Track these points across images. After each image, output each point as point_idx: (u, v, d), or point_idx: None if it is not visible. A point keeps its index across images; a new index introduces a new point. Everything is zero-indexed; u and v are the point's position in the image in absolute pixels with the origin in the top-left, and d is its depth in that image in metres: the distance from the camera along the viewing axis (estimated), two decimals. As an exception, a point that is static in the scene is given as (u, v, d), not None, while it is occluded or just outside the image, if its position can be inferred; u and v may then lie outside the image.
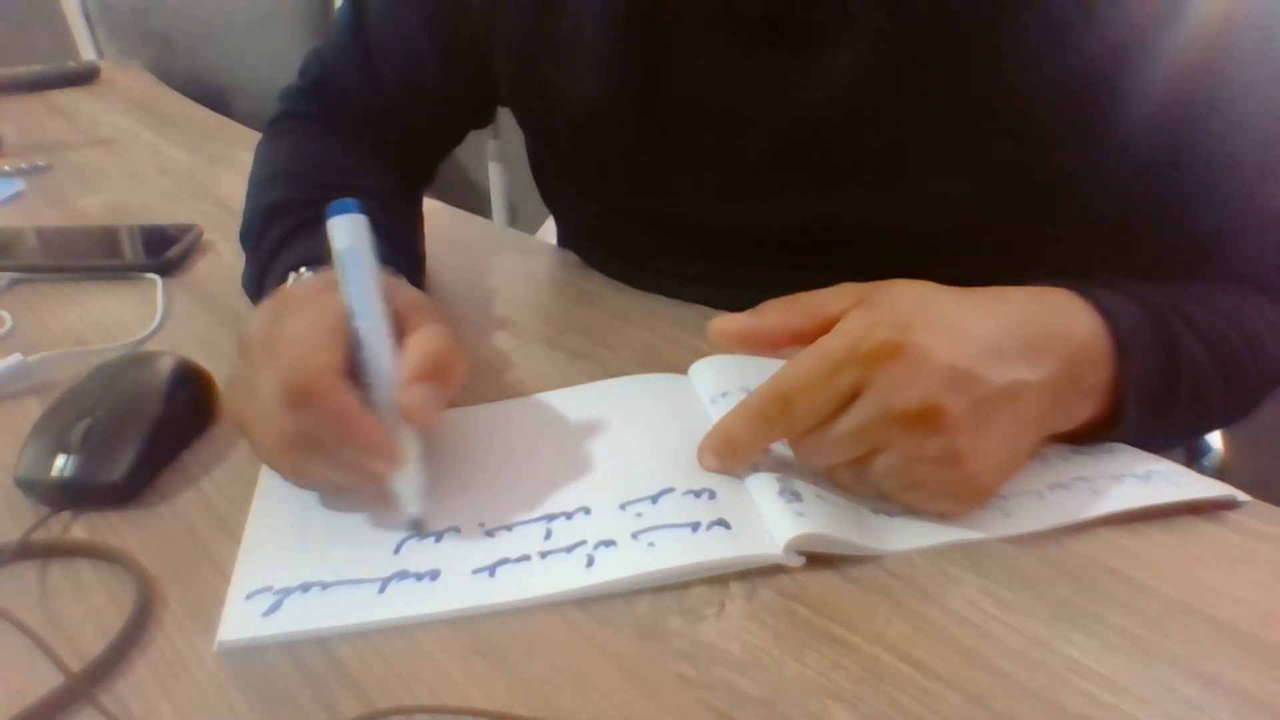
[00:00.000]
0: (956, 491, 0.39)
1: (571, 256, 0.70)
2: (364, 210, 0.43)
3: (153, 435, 0.44)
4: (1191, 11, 0.45)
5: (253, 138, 0.70)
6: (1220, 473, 0.80)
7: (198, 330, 0.60)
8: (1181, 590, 0.36)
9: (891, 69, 0.49)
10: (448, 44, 0.63)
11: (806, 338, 0.40)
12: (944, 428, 0.37)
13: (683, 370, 0.51)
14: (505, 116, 0.68)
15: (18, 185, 0.90)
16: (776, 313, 0.42)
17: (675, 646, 0.34)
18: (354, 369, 0.40)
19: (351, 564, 0.38)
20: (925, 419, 0.37)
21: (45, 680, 0.33)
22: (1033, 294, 0.43)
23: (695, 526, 0.39)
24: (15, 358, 0.53)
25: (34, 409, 0.49)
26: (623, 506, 0.40)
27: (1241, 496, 0.41)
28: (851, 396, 0.38)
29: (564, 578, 0.37)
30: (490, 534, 0.39)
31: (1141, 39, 0.46)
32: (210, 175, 0.93)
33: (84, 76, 1.35)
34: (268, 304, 0.44)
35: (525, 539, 0.39)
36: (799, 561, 0.37)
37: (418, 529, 0.39)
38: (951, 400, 0.37)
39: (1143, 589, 0.37)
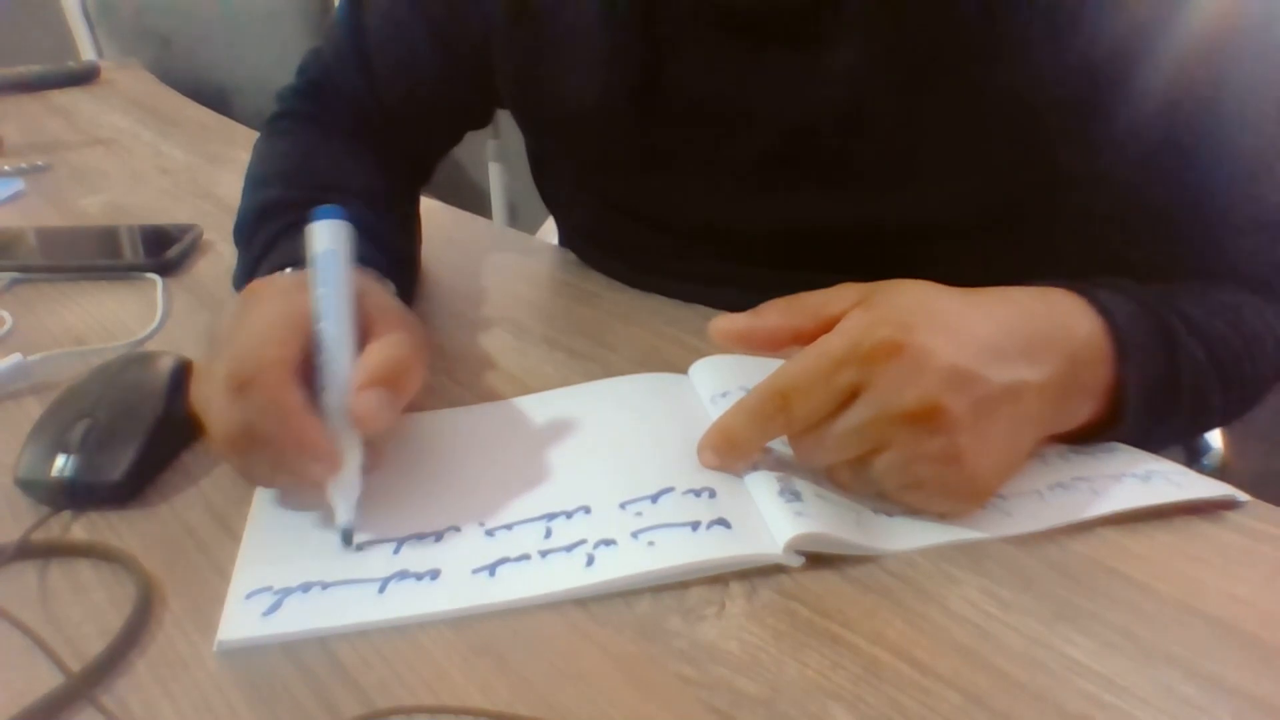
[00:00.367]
0: (956, 491, 0.39)
1: (571, 256, 0.70)
2: (351, 215, 0.43)
3: (153, 435, 0.44)
4: (1191, 12, 0.45)
5: (252, 137, 0.70)
6: (1220, 473, 0.80)
7: (198, 330, 0.60)
8: (1181, 590, 0.36)
9: (892, 69, 0.49)
10: (446, 44, 0.63)
11: (807, 338, 0.40)
12: (944, 427, 0.37)
13: (683, 370, 0.51)
14: (505, 116, 0.68)
15: (18, 185, 0.90)
16: (777, 313, 0.42)
17: (675, 646, 0.34)
18: (311, 370, 0.40)
19: (351, 564, 0.38)
20: (925, 418, 0.37)
21: (45, 680, 0.33)
22: (1033, 294, 0.43)
23: (695, 526, 0.39)
24: (15, 358, 0.53)
25: (34, 409, 0.49)
26: (623, 505, 0.40)
27: (1241, 496, 0.41)
28: (851, 395, 0.38)
29: (564, 577, 0.37)
30: (490, 534, 0.39)
31: (1140, 39, 0.46)
32: (210, 175, 0.93)
33: (84, 76, 1.36)
34: (240, 297, 0.45)
35: (525, 538, 0.39)
36: (799, 561, 0.37)
37: (346, 541, 0.39)
38: (952, 399, 0.37)
39: (1143, 589, 0.37)
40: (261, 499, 0.42)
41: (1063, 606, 0.36)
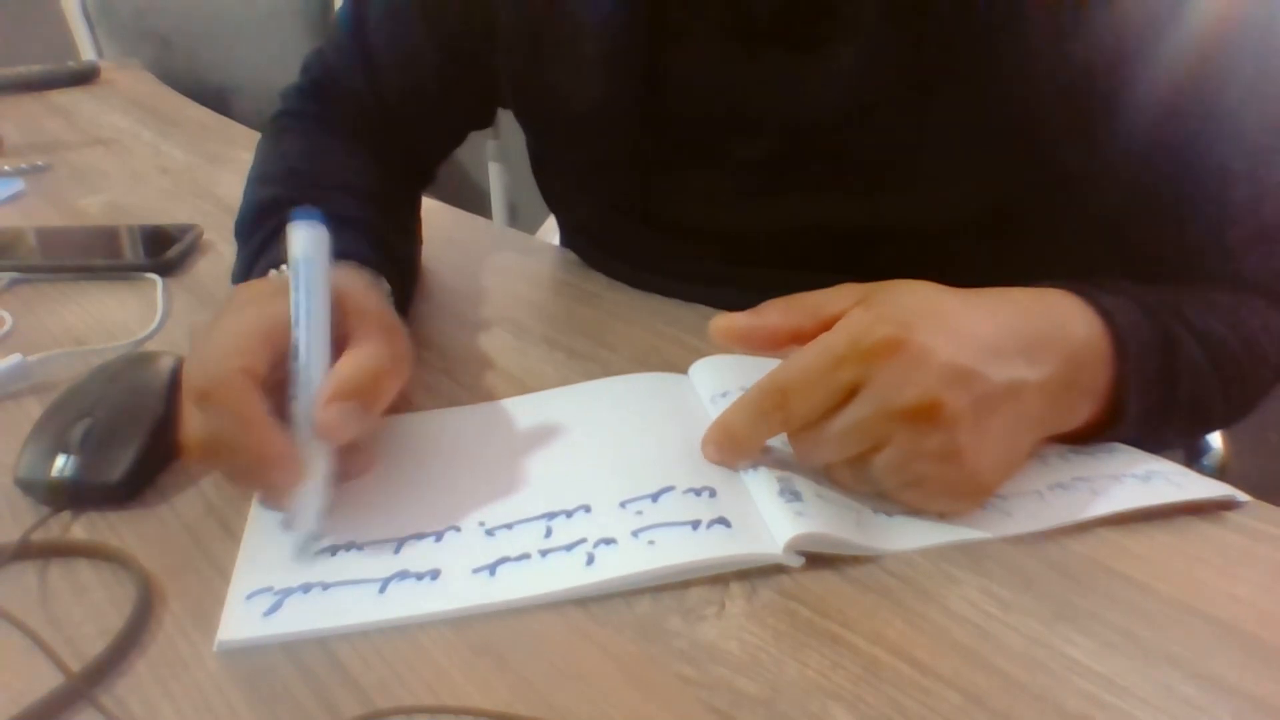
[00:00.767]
0: (956, 489, 0.39)
1: (572, 256, 0.70)
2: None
3: (153, 435, 0.44)
4: (1192, 14, 0.45)
5: (253, 137, 0.70)
6: (1220, 473, 0.80)
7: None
8: (1181, 590, 0.36)
9: (893, 71, 0.49)
10: (448, 45, 0.63)
11: (807, 337, 0.40)
12: (943, 424, 0.37)
13: (683, 370, 0.51)
14: (505, 116, 0.68)
15: (18, 185, 0.90)
16: (778, 311, 0.42)
17: (675, 646, 0.34)
18: (283, 377, 0.40)
19: (352, 564, 0.38)
20: (925, 415, 0.37)
21: (45, 680, 0.33)
22: (1033, 294, 0.43)
23: (695, 525, 0.39)
24: (15, 358, 0.53)
25: (34, 409, 0.48)
26: (623, 505, 0.40)
27: (1241, 496, 0.41)
28: (850, 393, 0.38)
29: (564, 576, 0.37)
30: (490, 533, 0.39)
31: (1142, 42, 0.46)
32: (210, 175, 0.93)
33: (84, 76, 1.35)
34: (225, 300, 0.44)
35: (525, 537, 0.39)
36: (799, 561, 0.37)
37: (305, 549, 0.39)
38: (951, 397, 0.37)
39: (1143, 589, 0.37)
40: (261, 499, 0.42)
41: (1063, 606, 0.36)
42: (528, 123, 0.66)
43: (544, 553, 0.38)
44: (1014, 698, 0.32)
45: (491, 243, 0.76)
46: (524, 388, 0.52)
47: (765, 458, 0.42)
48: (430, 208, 0.72)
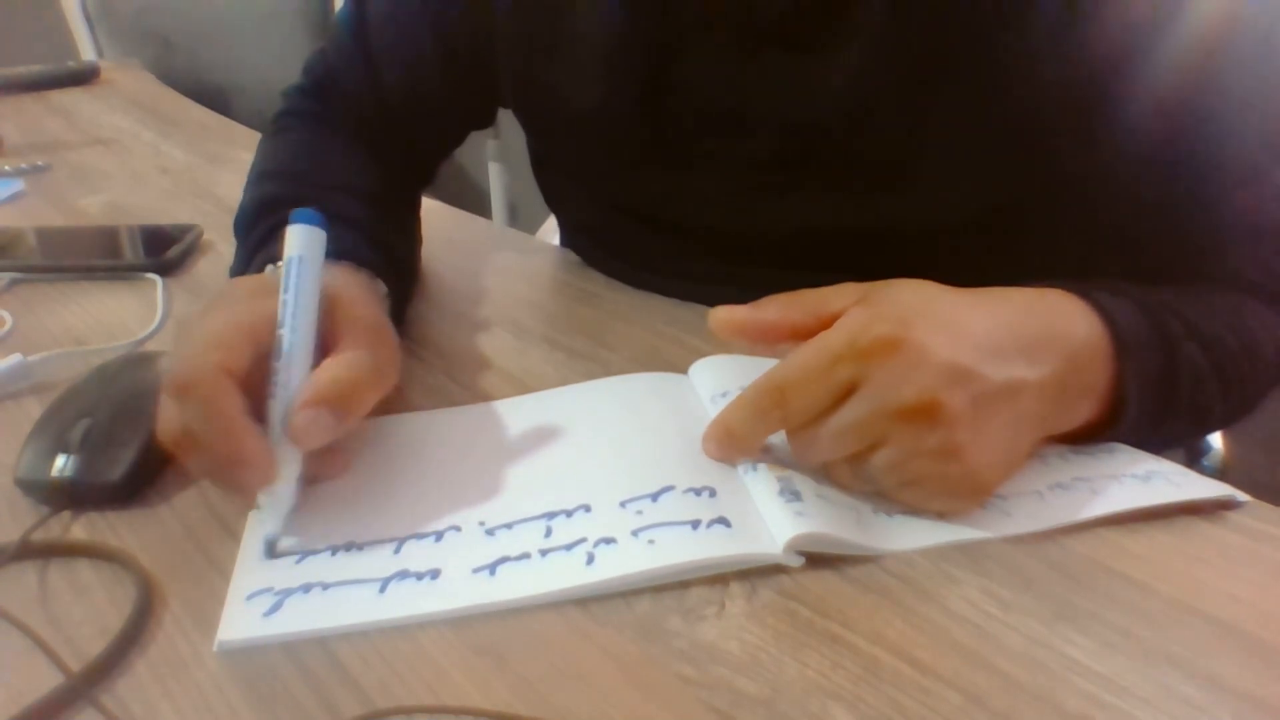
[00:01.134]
0: (955, 488, 0.39)
1: (572, 256, 0.70)
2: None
3: (153, 435, 0.44)
4: (1192, 15, 0.45)
5: (253, 138, 0.70)
6: (1220, 473, 0.80)
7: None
8: (1181, 590, 0.36)
9: (894, 72, 0.49)
10: (449, 44, 0.63)
11: (806, 334, 0.40)
12: (942, 422, 0.37)
13: (683, 370, 0.51)
14: (505, 116, 0.68)
15: (18, 185, 0.90)
16: (778, 307, 0.42)
17: (675, 646, 0.34)
18: (264, 375, 0.39)
19: (352, 564, 0.38)
20: (923, 413, 0.37)
21: (45, 680, 0.33)
22: (1033, 294, 0.43)
23: (695, 524, 0.39)
24: (15, 358, 0.53)
25: (34, 409, 0.49)
26: (623, 504, 0.40)
27: (1241, 496, 0.41)
28: (848, 391, 0.38)
29: (564, 575, 0.37)
30: (490, 533, 0.39)
31: (1142, 42, 0.46)
32: (210, 175, 0.93)
33: (84, 76, 1.36)
34: (217, 293, 0.44)
35: (525, 537, 0.39)
36: (799, 561, 0.37)
37: (269, 551, 0.38)
38: (950, 395, 0.37)
39: (1143, 589, 0.37)
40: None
41: (1063, 606, 0.36)
42: (528, 123, 0.66)
43: (544, 552, 0.38)
44: (1014, 698, 0.32)
45: (491, 243, 0.76)
46: (524, 388, 0.52)
47: (765, 457, 0.42)
48: (430, 208, 0.72)
